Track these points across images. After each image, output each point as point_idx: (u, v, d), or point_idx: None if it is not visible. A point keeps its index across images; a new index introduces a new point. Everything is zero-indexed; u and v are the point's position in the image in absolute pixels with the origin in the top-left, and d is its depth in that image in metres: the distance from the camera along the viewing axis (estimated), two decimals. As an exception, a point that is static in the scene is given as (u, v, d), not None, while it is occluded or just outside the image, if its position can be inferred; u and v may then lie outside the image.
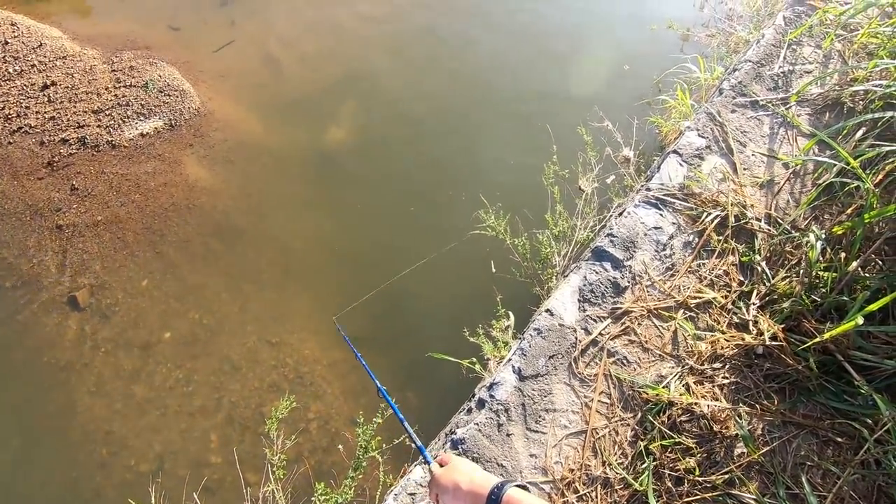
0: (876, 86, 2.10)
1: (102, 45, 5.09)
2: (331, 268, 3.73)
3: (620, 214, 2.09)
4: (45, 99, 4.56)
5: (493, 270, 3.21)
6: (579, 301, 1.84)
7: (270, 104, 4.63)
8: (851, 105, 2.28)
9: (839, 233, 1.86)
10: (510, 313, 2.20)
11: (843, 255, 1.79)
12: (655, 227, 2.02)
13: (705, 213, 2.04)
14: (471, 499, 0.87)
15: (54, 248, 3.81)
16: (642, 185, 2.19)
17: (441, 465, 1.01)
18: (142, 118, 4.49)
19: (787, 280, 1.83)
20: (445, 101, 4.43)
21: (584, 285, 1.88)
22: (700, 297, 1.86)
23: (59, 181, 4.13)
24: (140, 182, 4.14)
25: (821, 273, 1.78)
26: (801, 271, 1.83)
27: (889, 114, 1.86)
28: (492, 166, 3.84)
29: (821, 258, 1.83)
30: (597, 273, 1.91)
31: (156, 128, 4.45)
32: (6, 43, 4.93)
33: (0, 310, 3.58)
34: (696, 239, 2.00)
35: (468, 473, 0.92)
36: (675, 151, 2.25)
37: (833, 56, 2.52)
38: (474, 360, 2.08)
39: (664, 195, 2.10)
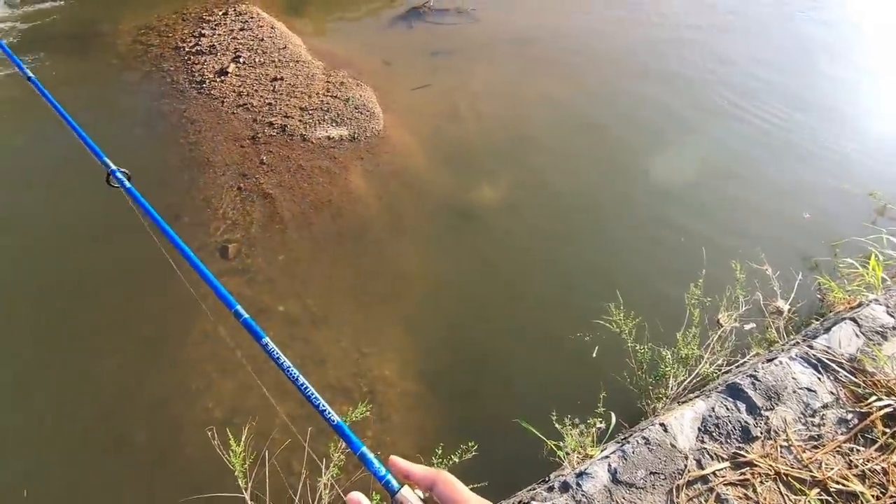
0: None
1: (327, 60, 6.06)
2: (436, 310, 3.83)
3: (769, 361, 1.91)
4: (271, 88, 5.50)
5: (594, 355, 3.09)
6: (699, 430, 1.68)
7: (439, 146, 5.07)
8: None
9: None
10: (612, 414, 2.07)
11: None
12: (809, 389, 1.81)
13: (875, 397, 1.78)
14: None
15: (229, 203, 4.45)
16: (802, 340, 1.99)
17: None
18: (333, 124, 5.20)
19: (969, 513, 1.51)
20: (600, 193, 4.50)
21: (710, 416, 1.72)
22: (844, 486, 1.59)
23: (254, 153, 4.88)
24: (312, 174, 4.73)
25: None
26: None
27: None
28: (630, 266, 3.76)
29: None
30: (727, 409, 1.75)
31: (341, 135, 5.11)
32: (262, 39, 6.11)
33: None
34: (856, 420, 1.75)
35: None
36: (853, 319, 2.03)
37: None
38: (560, 444, 1.98)
39: (828, 359, 1.89)
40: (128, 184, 1.39)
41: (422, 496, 0.58)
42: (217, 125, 5.14)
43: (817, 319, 3.03)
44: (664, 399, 2.43)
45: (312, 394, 0.74)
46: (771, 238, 3.99)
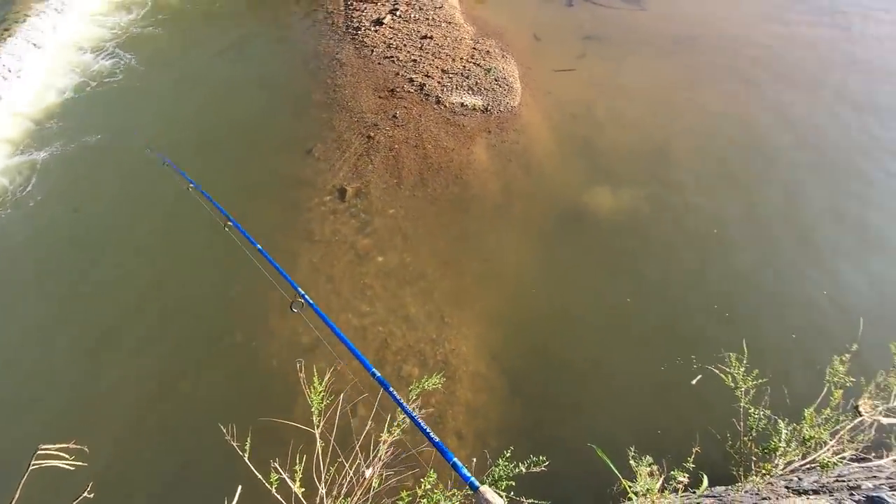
0: None
1: (479, 26, 5.96)
2: (526, 304, 3.69)
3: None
4: (419, 46, 5.55)
5: (693, 383, 2.80)
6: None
7: (569, 137, 4.80)
8: None
9: None
10: (705, 478, 1.83)
11: None
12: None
13: None
14: None
15: (357, 149, 4.63)
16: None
17: None
18: (470, 92, 5.13)
19: None
20: (743, 227, 3.97)
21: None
22: None
23: (389, 106, 5.00)
24: (438, 138, 4.74)
25: None
26: None
27: None
28: (764, 316, 3.33)
29: None
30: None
31: (474, 104, 5.04)
32: (421, -4, 6.17)
33: (298, 172, 4.51)
34: None
35: None
36: None
37: None
38: (630, 484, 1.81)
39: None
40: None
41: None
42: (362, 72, 5.33)
43: None
44: (765, 475, 2.12)
45: (430, 432, 1.04)
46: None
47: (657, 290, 3.61)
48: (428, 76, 5.21)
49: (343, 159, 4.57)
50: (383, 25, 5.72)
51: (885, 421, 2.72)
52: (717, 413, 2.39)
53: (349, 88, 5.16)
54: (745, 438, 2.10)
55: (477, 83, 5.20)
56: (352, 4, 6.03)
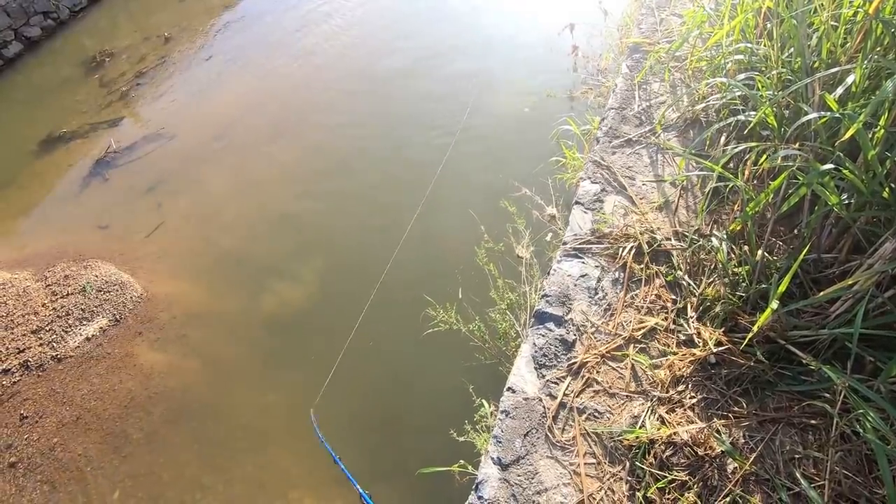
0: (715, 100, 2.42)
1: (33, 264, 5.13)
2: (305, 421, 3.56)
3: (548, 273, 2.20)
4: (-19, 335, 4.46)
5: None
6: (535, 369, 1.86)
7: (211, 271, 4.69)
8: (706, 119, 2.59)
9: (737, 229, 2.03)
10: (483, 401, 2.17)
11: (746, 247, 1.93)
12: (582, 276, 2.13)
13: (621, 248, 2.18)
14: None
15: (10, 492, 3.52)
16: (562, 243, 2.33)
17: None
18: (84, 322, 4.44)
19: (712, 285, 1.95)
20: (367, 218, 4.63)
21: (536, 352, 1.92)
22: (643, 327, 1.93)
23: (5, 415, 3.92)
24: (93, 388, 4.00)
25: (736, 269, 1.91)
26: (720, 273, 1.95)
27: (731, 119, 2.14)
28: (428, 264, 3.97)
29: (733, 255, 1.97)
30: (543, 336, 1.96)
31: (100, 327, 4.40)
32: (-67, 293, 4.90)
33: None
34: (621, 274, 2.12)
35: None
36: (577, 202, 2.44)
37: (677, 84, 2.90)
38: (462, 461, 2.01)
39: (580, 244, 2.25)
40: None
41: None
42: (-65, 420, 3.99)
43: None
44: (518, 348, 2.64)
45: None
46: (514, 166, 4.59)
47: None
48: (22, 350, 4.27)
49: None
50: (-87, 356, 4.36)
51: (546, 240, 3.61)
52: (462, 352, 2.82)
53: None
54: (487, 346, 2.54)
55: (84, 308, 4.53)
56: None
